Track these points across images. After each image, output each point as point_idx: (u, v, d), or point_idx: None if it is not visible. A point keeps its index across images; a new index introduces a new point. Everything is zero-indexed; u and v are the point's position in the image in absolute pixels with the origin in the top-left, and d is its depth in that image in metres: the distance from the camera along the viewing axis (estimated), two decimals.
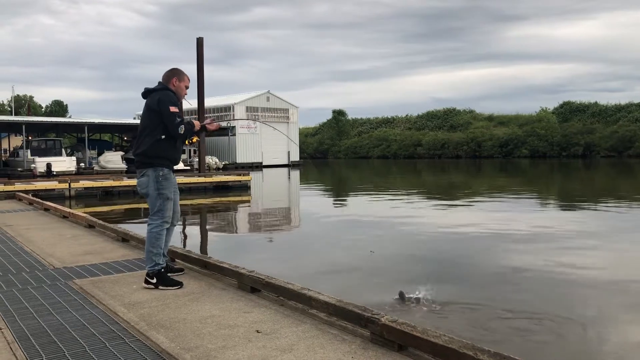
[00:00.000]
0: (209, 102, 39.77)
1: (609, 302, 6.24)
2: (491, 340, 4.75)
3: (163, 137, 4.47)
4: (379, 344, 3.05)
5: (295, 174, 40.92)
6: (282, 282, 4.00)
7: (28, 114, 64.23)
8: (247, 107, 53.38)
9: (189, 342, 3.20)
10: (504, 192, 21.46)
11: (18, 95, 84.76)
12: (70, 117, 72.94)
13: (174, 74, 4.67)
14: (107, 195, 21.42)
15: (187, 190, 22.24)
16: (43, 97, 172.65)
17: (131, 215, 16.46)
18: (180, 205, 4.91)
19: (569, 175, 34.09)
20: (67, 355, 3.06)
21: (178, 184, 4.88)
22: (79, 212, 9.78)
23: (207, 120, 4.88)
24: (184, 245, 10.13)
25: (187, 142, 4.77)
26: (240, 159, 51.08)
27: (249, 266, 4.65)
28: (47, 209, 10.98)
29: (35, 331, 3.48)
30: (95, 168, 34.69)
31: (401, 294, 6.07)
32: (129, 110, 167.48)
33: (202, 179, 24.31)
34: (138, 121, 14.32)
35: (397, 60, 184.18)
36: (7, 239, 7.30)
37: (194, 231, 13.02)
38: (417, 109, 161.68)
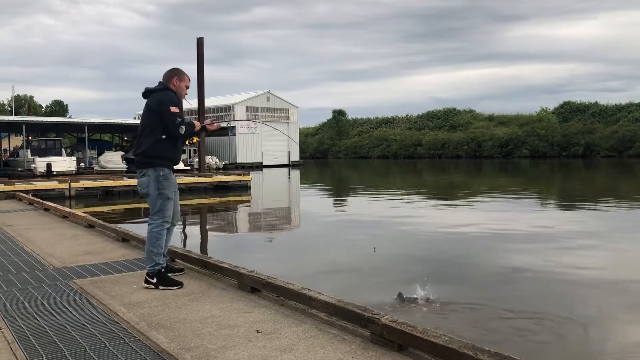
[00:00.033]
0: (209, 102, 39.74)
1: (609, 302, 6.24)
2: (491, 340, 4.75)
3: (163, 137, 4.48)
4: (379, 344, 3.05)
5: (296, 174, 40.91)
6: (282, 282, 4.00)
7: (28, 114, 64.25)
8: (247, 107, 53.38)
9: (189, 342, 3.20)
10: (504, 192, 21.46)
11: (18, 95, 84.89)
12: (70, 117, 72.92)
13: (174, 74, 4.68)
14: (107, 195, 21.42)
15: (187, 190, 22.23)
16: (43, 97, 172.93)
17: (131, 215, 16.46)
18: (180, 205, 4.91)
19: (569, 175, 34.08)
20: (67, 355, 3.06)
21: (178, 184, 4.88)
22: (79, 212, 9.79)
23: (207, 121, 4.89)
24: (184, 245, 10.13)
25: (187, 142, 4.78)
26: (241, 159, 51.08)
27: (249, 266, 4.65)
28: (47, 209, 10.98)
29: (36, 331, 3.48)
30: (95, 168, 34.69)
31: (400, 296, 6.07)
32: (129, 110, 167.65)
33: (202, 179, 24.31)
34: (138, 121, 14.33)
35: (397, 60, 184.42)
36: (7, 239, 7.31)
37: (194, 231, 13.02)
38: (417, 109, 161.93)
